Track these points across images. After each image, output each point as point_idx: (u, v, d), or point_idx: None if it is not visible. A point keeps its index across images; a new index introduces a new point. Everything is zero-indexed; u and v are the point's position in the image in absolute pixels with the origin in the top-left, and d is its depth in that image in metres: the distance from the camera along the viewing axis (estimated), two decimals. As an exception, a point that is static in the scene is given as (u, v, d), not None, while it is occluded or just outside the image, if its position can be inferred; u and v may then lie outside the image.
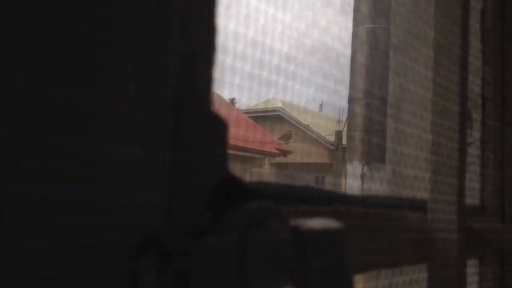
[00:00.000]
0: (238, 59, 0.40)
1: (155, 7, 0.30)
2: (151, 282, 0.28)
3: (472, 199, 0.99)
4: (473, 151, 1.00)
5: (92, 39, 0.27)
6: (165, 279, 0.29)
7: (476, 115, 1.01)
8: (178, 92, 0.31)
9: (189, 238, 0.31)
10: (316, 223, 0.42)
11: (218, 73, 0.31)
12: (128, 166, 0.28)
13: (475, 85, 1.00)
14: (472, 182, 0.99)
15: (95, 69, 0.27)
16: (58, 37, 0.25)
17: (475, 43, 0.97)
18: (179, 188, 0.31)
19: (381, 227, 0.63)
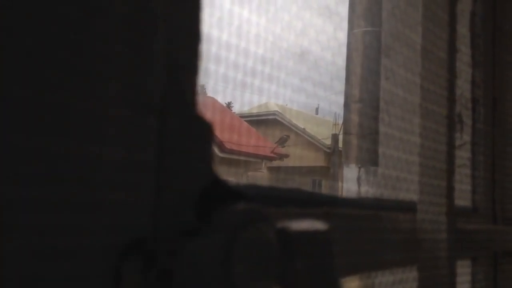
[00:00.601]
0: (211, 61, 0.41)
1: (140, 12, 0.30)
2: (136, 282, 0.29)
3: (464, 201, 1.00)
4: (464, 154, 1.01)
5: (78, 44, 0.27)
6: (150, 280, 0.29)
7: (466, 118, 1.02)
8: (163, 96, 0.31)
9: (175, 239, 0.32)
10: (303, 224, 0.43)
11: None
12: (115, 168, 0.29)
13: (465, 88, 1.01)
14: (464, 184, 1.00)
15: (81, 73, 0.28)
16: (45, 42, 0.26)
17: (464, 48, 0.98)
18: (165, 190, 0.32)
19: (371, 229, 0.63)
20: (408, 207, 0.71)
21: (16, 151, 0.25)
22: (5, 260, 0.24)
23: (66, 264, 0.26)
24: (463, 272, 0.95)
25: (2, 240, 0.24)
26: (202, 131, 0.35)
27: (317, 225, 0.43)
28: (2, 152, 0.24)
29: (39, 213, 0.25)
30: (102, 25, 0.28)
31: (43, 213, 0.25)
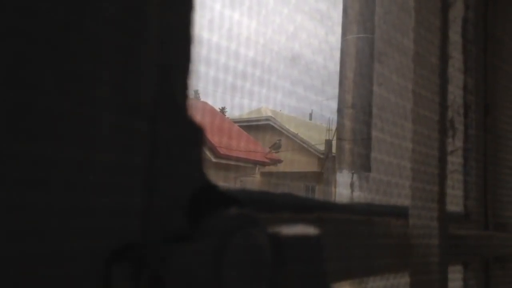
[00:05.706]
0: (202, 63, 0.41)
1: (131, 14, 0.30)
2: None
3: (456, 206, 1.01)
4: (456, 159, 1.01)
5: (67, 46, 0.27)
6: (140, 286, 0.29)
7: (459, 124, 1.02)
8: (154, 99, 0.31)
9: (165, 245, 0.32)
10: (295, 229, 0.43)
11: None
12: (104, 173, 0.29)
13: (457, 94, 1.02)
14: (456, 190, 1.01)
15: (71, 76, 0.27)
16: (34, 44, 0.25)
17: (456, 54, 0.99)
18: (155, 195, 0.32)
19: (363, 234, 0.63)
20: (400, 212, 0.71)
21: (4, 154, 0.24)
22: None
23: (54, 269, 0.26)
24: (455, 278, 0.95)
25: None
26: (193, 135, 0.35)
27: (309, 230, 0.43)
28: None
29: (27, 217, 0.25)
30: (92, 28, 0.28)
31: (30, 217, 0.25)
